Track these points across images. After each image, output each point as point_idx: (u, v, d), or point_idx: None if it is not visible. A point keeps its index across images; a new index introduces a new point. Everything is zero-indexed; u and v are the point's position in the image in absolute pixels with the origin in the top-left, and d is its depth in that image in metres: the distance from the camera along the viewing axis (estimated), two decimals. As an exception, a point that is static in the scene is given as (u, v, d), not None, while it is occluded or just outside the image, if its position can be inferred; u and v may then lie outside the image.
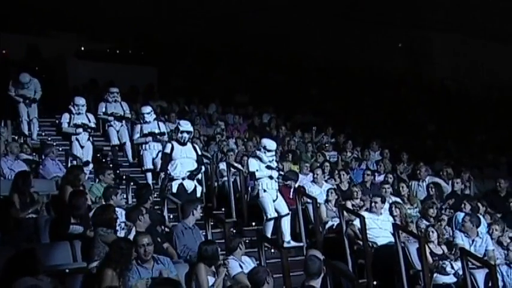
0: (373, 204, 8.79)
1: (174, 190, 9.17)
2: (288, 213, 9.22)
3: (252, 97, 17.00)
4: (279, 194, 9.28)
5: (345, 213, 8.83)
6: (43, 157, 10.06)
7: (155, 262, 6.19)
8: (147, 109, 11.24)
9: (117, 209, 7.21)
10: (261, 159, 9.23)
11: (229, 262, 6.65)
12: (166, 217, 8.68)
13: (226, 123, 14.48)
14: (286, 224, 9.22)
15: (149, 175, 10.68)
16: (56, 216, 7.70)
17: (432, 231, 8.15)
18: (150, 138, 10.84)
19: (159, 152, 10.62)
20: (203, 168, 9.99)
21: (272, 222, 9.16)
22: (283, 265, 7.17)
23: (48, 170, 9.78)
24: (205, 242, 6.78)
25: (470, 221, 8.33)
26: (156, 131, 10.96)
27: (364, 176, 11.03)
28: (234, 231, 9.13)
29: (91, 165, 10.41)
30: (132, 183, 9.48)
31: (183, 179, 9.26)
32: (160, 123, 11.37)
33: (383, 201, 8.91)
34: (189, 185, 9.32)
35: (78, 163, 9.90)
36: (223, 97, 16.34)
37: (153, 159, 10.72)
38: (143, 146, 10.91)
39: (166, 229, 7.95)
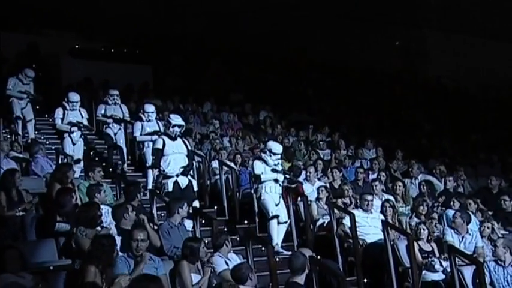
0: (363, 202, 8.75)
1: (170, 188, 9.02)
2: (286, 222, 9.07)
3: (247, 96, 16.96)
4: (281, 200, 9.14)
5: (335, 210, 8.80)
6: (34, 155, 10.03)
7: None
8: (151, 108, 11.09)
9: (103, 206, 7.20)
10: (266, 162, 9.10)
11: (214, 259, 6.62)
12: (156, 215, 8.63)
13: (221, 121, 14.42)
14: (281, 231, 9.04)
15: (150, 172, 10.47)
16: (44, 214, 7.71)
17: (423, 229, 8.11)
18: (156, 136, 10.56)
19: None
20: (195, 163, 9.91)
21: (275, 222, 8.94)
22: (269, 263, 7.11)
23: (42, 166, 9.77)
24: (189, 239, 6.72)
25: (461, 217, 8.29)
26: (159, 130, 10.83)
27: (357, 174, 11.00)
28: (226, 229, 9.08)
29: (82, 163, 10.34)
30: (121, 182, 9.43)
31: (177, 175, 9.15)
32: (159, 122, 11.25)
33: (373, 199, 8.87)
34: (183, 181, 9.17)
35: (69, 161, 9.87)
36: (218, 96, 16.30)
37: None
38: (146, 143, 10.76)
39: (155, 227, 7.90)
